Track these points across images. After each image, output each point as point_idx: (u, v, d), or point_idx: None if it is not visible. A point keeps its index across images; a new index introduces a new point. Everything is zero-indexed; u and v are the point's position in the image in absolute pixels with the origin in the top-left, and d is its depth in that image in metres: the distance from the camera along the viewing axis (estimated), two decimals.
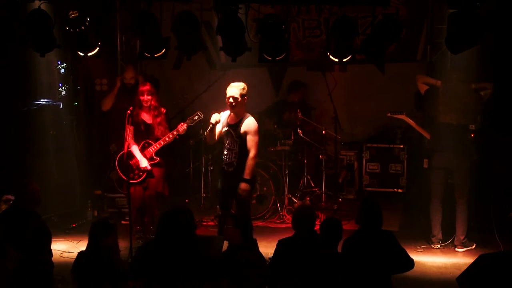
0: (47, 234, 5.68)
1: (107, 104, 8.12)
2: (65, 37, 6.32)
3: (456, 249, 7.05)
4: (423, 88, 7.20)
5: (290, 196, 8.29)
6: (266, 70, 9.30)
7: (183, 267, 4.93)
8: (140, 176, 7.02)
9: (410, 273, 5.22)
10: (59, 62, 8.23)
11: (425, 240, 7.26)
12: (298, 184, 8.69)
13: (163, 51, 6.37)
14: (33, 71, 7.89)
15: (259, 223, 7.90)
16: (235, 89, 6.35)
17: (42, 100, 8.05)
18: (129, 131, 6.73)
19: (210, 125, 6.41)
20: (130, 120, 6.70)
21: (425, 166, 7.32)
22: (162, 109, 7.15)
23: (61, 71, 8.32)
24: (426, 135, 7.25)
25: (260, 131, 6.63)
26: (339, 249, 5.16)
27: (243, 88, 6.37)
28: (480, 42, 5.83)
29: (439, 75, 7.21)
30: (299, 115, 8.44)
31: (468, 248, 7.03)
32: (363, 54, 6.35)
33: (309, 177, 8.68)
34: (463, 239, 7.04)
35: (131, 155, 6.91)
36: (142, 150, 7.05)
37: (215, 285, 4.99)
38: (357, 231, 5.29)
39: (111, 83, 8.39)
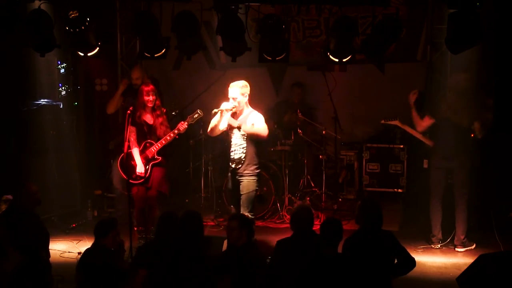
0: (45, 234, 5.69)
1: (111, 107, 8.06)
2: (65, 37, 6.32)
3: (456, 249, 7.06)
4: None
5: (290, 196, 8.29)
6: (266, 70, 9.29)
7: (183, 267, 4.94)
8: (137, 179, 7.03)
9: (410, 273, 5.22)
10: (59, 62, 8.23)
11: (425, 240, 7.26)
12: (298, 184, 8.69)
13: (163, 51, 6.37)
14: (33, 71, 7.89)
15: (259, 223, 7.89)
16: (235, 89, 6.38)
17: (42, 100, 8.04)
18: (129, 131, 6.74)
19: (221, 111, 6.39)
20: (130, 121, 6.70)
21: (425, 166, 7.32)
22: (163, 109, 7.16)
23: (61, 71, 8.31)
24: (420, 137, 7.25)
25: None
26: (340, 249, 5.17)
27: (243, 86, 6.40)
28: (480, 42, 5.83)
29: (439, 75, 7.21)
30: (300, 115, 8.44)
31: (468, 248, 7.03)
32: (363, 54, 6.36)
33: (309, 177, 8.68)
34: (463, 239, 7.04)
35: (131, 156, 6.92)
36: (144, 150, 7.06)
37: (216, 283, 5.01)
38: (357, 231, 5.30)
39: (111, 83, 8.39)
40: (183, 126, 6.94)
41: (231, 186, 6.64)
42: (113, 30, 8.67)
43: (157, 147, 7.01)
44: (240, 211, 6.41)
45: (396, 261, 5.17)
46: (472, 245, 7.06)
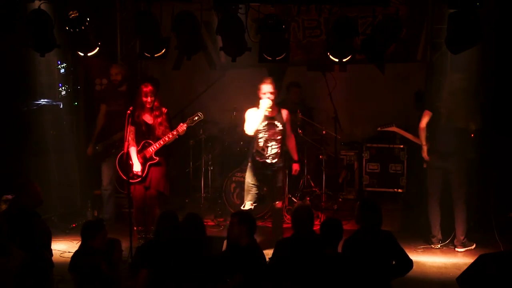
0: (47, 233, 5.70)
1: (99, 125, 7.99)
2: (65, 37, 6.32)
3: (456, 249, 7.06)
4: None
5: (290, 196, 8.29)
6: (266, 70, 9.29)
7: (182, 267, 4.94)
8: (134, 178, 7.03)
9: (410, 273, 5.22)
10: (59, 62, 8.23)
11: (425, 240, 7.26)
12: (298, 184, 8.69)
13: (163, 51, 6.38)
14: (33, 71, 7.89)
15: (259, 223, 7.87)
16: (268, 85, 6.63)
17: (42, 100, 8.04)
18: (129, 131, 6.74)
19: (263, 111, 6.62)
20: (130, 120, 6.70)
21: (425, 166, 7.32)
22: (164, 109, 7.15)
23: (61, 71, 8.32)
24: (418, 141, 7.25)
25: None
26: (340, 249, 5.17)
27: (272, 81, 6.68)
28: (480, 42, 5.83)
29: (439, 75, 7.21)
30: (299, 115, 8.43)
31: (468, 248, 7.03)
32: (363, 54, 6.35)
33: (309, 177, 8.68)
34: (463, 239, 7.04)
35: (128, 156, 6.93)
36: (142, 150, 7.06)
37: (217, 283, 5.01)
38: (357, 231, 5.30)
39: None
40: (182, 128, 6.94)
41: (258, 181, 6.84)
42: (113, 30, 8.66)
43: (155, 147, 7.01)
44: (263, 204, 7.04)
45: (394, 262, 5.17)
46: (472, 245, 7.06)
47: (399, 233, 6.80)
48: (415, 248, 7.04)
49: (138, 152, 7.06)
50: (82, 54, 6.48)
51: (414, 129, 7.46)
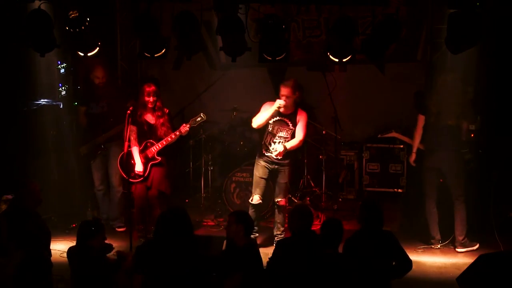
0: (46, 233, 5.70)
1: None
2: (65, 37, 6.32)
3: (457, 249, 7.04)
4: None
5: (290, 196, 8.28)
6: (266, 70, 9.29)
7: (182, 266, 4.93)
8: (136, 178, 7.03)
9: (410, 273, 5.23)
10: (59, 62, 8.22)
11: (425, 240, 7.25)
12: (298, 184, 8.69)
13: (163, 51, 6.37)
14: (33, 71, 7.88)
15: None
16: (288, 89, 6.77)
17: (42, 100, 8.04)
18: (130, 131, 6.74)
19: (274, 108, 6.76)
20: (130, 120, 6.70)
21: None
22: (165, 109, 7.16)
23: (61, 71, 8.31)
24: (416, 145, 7.24)
25: None
26: (340, 249, 5.17)
27: (293, 86, 6.82)
28: (480, 42, 5.82)
29: (439, 75, 7.20)
30: None
31: (470, 249, 7.00)
32: (363, 54, 6.35)
33: (309, 177, 8.68)
34: (462, 240, 7.02)
35: (131, 155, 6.94)
36: (144, 150, 7.07)
37: (215, 283, 5.00)
38: (358, 231, 5.30)
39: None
40: (184, 128, 6.96)
41: (266, 175, 6.97)
42: (113, 30, 8.66)
43: (157, 147, 7.02)
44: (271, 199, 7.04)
45: (393, 262, 5.17)
46: (474, 245, 7.02)
47: (399, 233, 6.76)
48: (415, 248, 7.04)
49: (141, 152, 7.07)
50: (82, 54, 6.48)
51: (413, 129, 7.46)
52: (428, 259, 6.84)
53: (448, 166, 6.99)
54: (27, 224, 5.46)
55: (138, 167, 7.01)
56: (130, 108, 6.80)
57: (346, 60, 6.21)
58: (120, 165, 7.29)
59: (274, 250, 5.33)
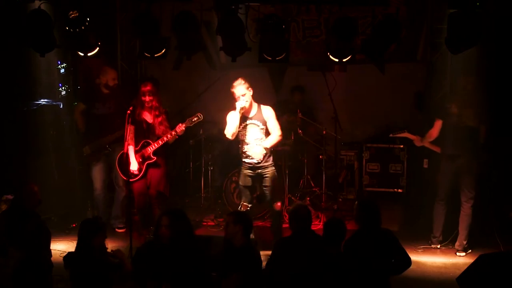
0: (46, 234, 5.69)
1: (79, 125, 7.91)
2: (65, 37, 6.32)
3: (457, 253, 6.99)
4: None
5: (290, 196, 8.29)
6: (266, 70, 9.29)
7: (182, 266, 4.93)
8: (131, 177, 7.03)
9: (410, 273, 5.24)
10: (59, 62, 8.23)
11: (425, 240, 7.25)
12: (298, 184, 8.69)
13: (163, 51, 6.38)
14: (33, 71, 7.89)
15: (259, 223, 7.90)
16: (240, 87, 6.49)
17: (42, 100, 8.04)
18: (129, 131, 6.75)
19: (238, 113, 6.51)
20: (130, 120, 6.71)
21: (425, 166, 7.30)
22: (162, 108, 7.17)
23: (61, 71, 8.32)
24: (429, 146, 7.20)
25: None
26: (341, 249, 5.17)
27: (245, 82, 6.53)
28: (480, 42, 5.82)
29: (439, 75, 7.20)
30: (300, 115, 8.43)
31: (468, 252, 7.00)
32: (363, 54, 6.36)
33: (309, 177, 8.68)
34: (466, 244, 6.99)
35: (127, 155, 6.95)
36: (141, 149, 7.08)
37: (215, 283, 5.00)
38: (357, 231, 5.30)
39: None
40: (180, 128, 6.95)
41: (250, 182, 6.77)
42: (113, 30, 8.66)
43: (153, 146, 7.04)
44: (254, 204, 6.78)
45: (393, 260, 5.17)
46: (469, 250, 7.01)
47: (399, 233, 6.77)
48: (415, 248, 7.04)
49: (137, 151, 7.08)
50: (82, 54, 6.49)
51: (413, 129, 7.45)
52: (428, 259, 6.84)
53: (467, 169, 6.92)
54: (27, 224, 5.45)
55: (133, 166, 7.02)
56: (130, 108, 6.81)
57: (346, 60, 6.22)
58: (118, 165, 7.29)
59: (273, 250, 5.33)
